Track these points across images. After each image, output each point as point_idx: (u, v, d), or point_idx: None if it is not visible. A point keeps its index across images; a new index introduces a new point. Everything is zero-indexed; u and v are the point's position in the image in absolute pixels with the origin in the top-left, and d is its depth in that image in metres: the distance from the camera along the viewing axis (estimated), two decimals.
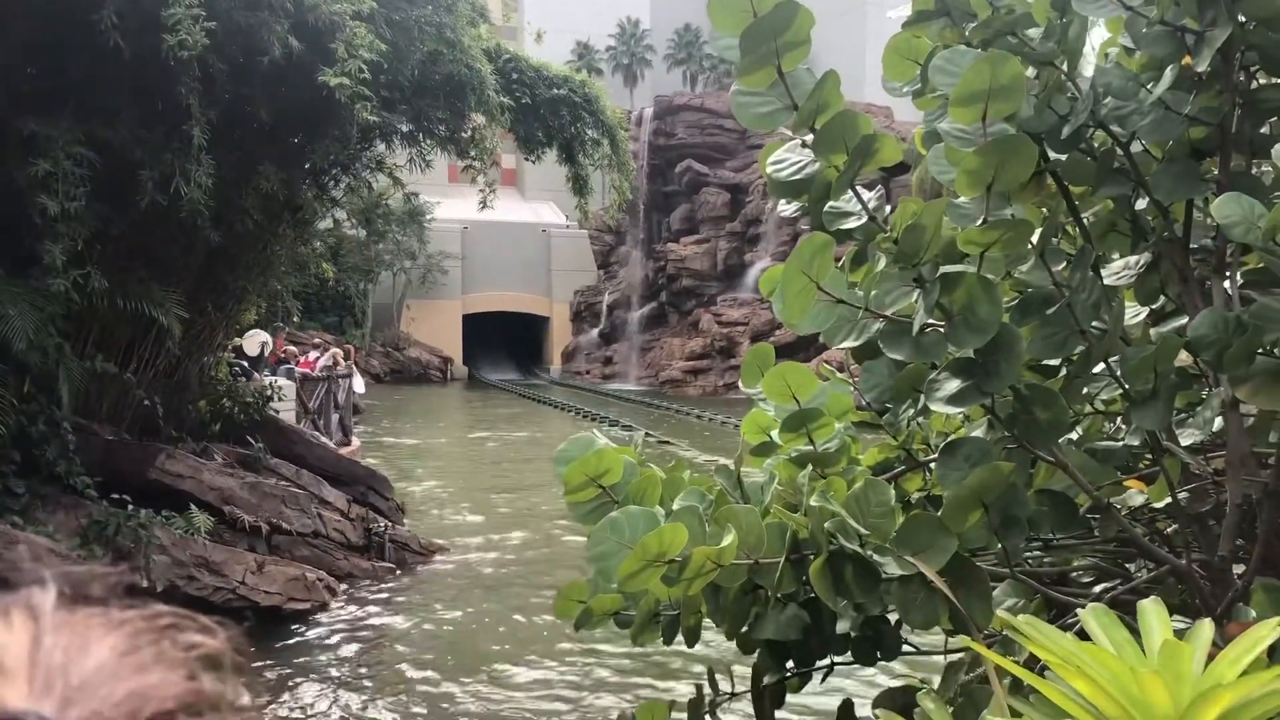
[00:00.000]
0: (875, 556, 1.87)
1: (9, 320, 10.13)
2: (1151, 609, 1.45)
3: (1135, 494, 2.48)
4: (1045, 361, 2.26)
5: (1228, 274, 2.26)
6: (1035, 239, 2.18)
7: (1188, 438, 2.41)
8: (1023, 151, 1.83)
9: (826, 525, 1.88)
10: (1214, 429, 2.39)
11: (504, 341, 73.40)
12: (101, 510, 10.79)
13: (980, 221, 1.88)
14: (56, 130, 10.39)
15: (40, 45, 11.11)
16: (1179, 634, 1.45)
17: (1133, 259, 2.50)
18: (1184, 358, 2.31)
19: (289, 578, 11.79)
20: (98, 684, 0.58)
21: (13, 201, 10.54)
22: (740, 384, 2.56)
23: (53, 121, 10.49)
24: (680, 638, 2.51)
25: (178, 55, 9.70)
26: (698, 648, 2.68)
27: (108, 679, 0.59)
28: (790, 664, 2.49)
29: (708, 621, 2.41)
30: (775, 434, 2.50)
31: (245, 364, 19.52)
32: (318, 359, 25.22)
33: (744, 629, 2.26)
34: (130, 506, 10.95)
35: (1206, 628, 1.42)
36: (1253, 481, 2.23)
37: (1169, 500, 2.37)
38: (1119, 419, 2.61)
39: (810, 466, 2.31)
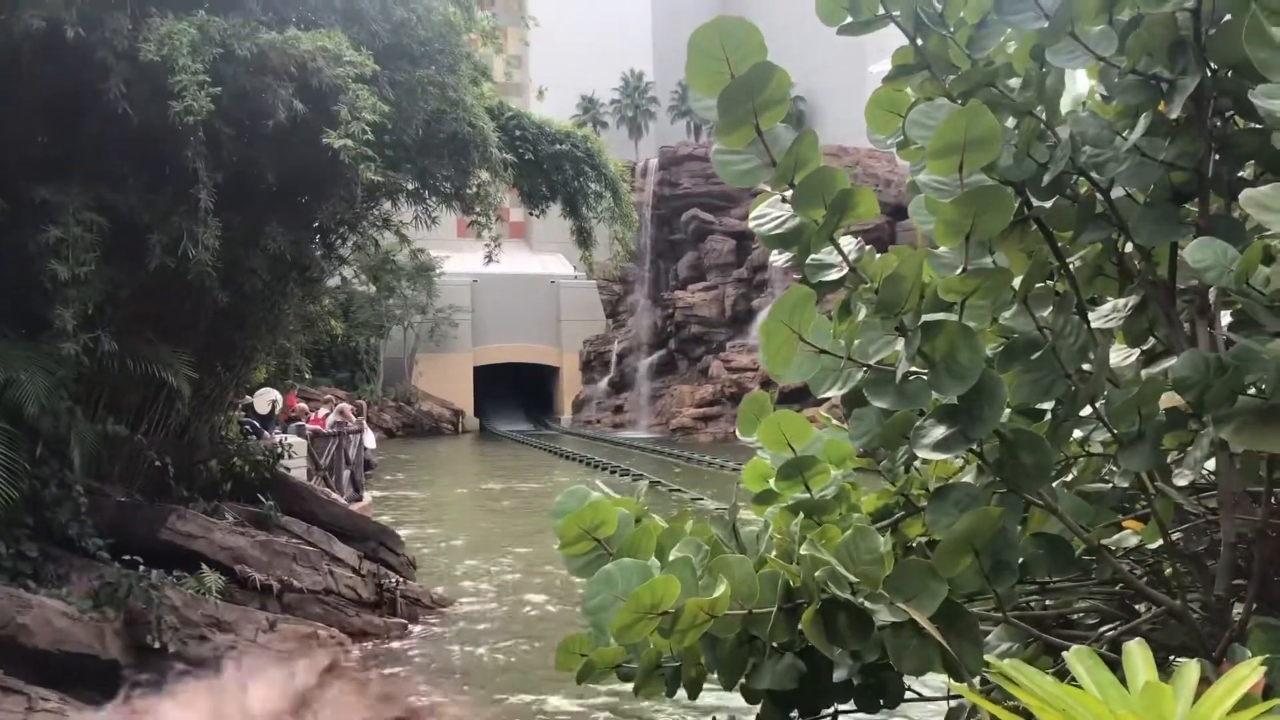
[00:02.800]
0: (867, 604, 1.89)
1: (21, 384, 10.21)
2: (1137, 650, 1.46)
3: (1130, 535, 2.49)
4: (1036, 406, 2.28)
5: (1211, 315, 2.29)
6: (1019, 285, 2.22)
7: (1181, 478, 2.42)
8: (1000, 201, 1.87)
9: (817, 574, 1.89)
10: (1206, 469, 2.40)
11: (515, 393, 73.88)
12: (113, 572, 10.79)
13: (960, 270, 1.91)
14: (67, 197, 10.54)
15: (50, 114, 11.31)
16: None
17: (1120, 302, 2.53)
18: (1179, 399, 2.32)
19: (301, 635, 11.74)
20: None
21: (24, 267, 10.67)
22: (738, 432, 2.58)
23: (63, 188, 10.64)
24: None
25: (184, 121, 9.85)
26: (707, 698, 2.68)
27: None
28: (794, 713, 2.49)
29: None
30: (774, 482, 2.52)
31: (256, 423, 19.58)
32: (327, 415, 25.30)
33: (743, 679, 2.26)
34: (142, 567, 10.95)
35: (1192, 668, 1.43)
36: (1246, 520, 2.24)
37: (1164, 541, 2.37)
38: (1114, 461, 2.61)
39: (802, 514, 2.33)
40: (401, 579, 14.66)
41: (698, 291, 60.82)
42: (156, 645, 10.46)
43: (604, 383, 68.58)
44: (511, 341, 72.53)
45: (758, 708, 2.57)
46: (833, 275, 2.03)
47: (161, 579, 10.96)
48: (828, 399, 2.40)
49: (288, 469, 16.30)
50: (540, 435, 60.94)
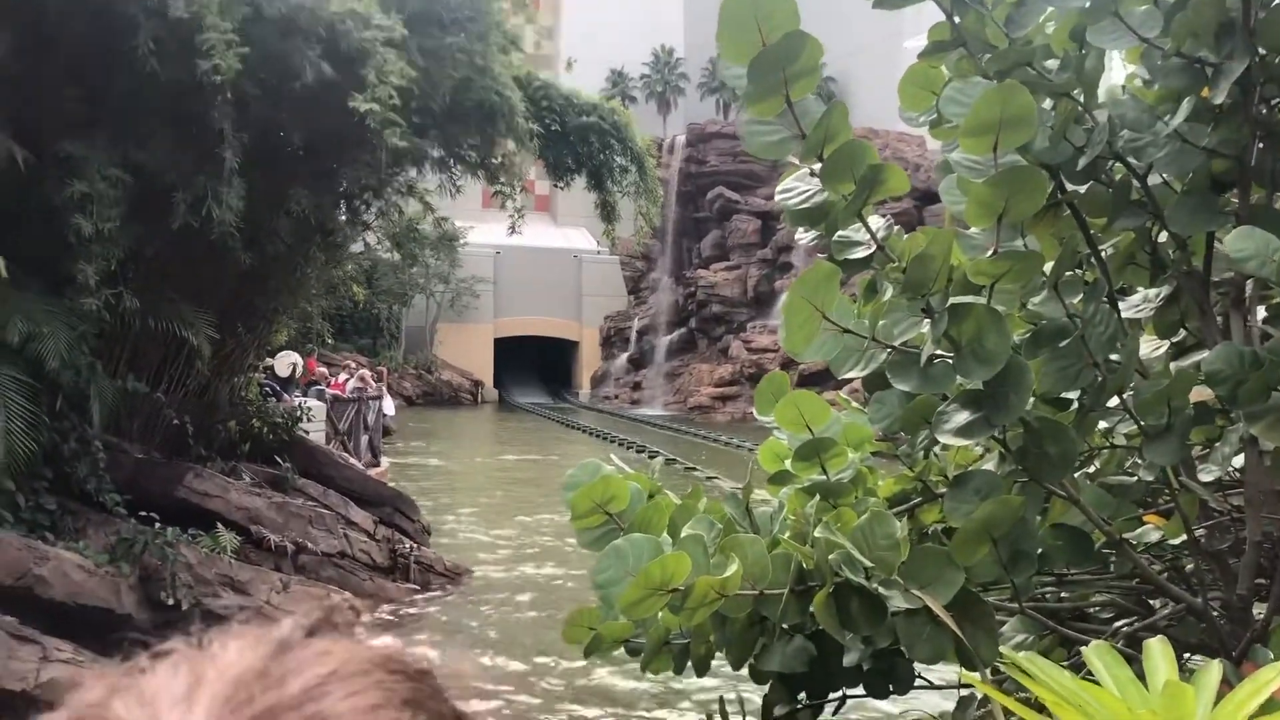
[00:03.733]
0: (881, 589, 1.85)
1: (42, 339, 10.26)
2: (1157, 648, 1.42)
3: (1152, 529, 2.44)
4: (1062, 395, 2.23)
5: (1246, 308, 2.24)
6: (1050, 270, 2.17)
7: (1207, 474, 2.37)
8: (1034, 182, 1.82)
9: (832, 557, 1.86)
10: (1234, 465, 2.35)
11: (534, 365, 74.23)
12: (129, 528, 10.86)
13: (990, 252, 1.86)
14: (93, 152, 10.55)
15: (79, 69, 11.31)
16: (1193, 674, 1.42)
17: (1152, 292, 2.48)
18: (1208, 393, 2.27)
19: (314, 598, 11.81)
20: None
21: (49, 222, 10.70)
22: (755, 412, 2.55)
23: (89, 144, 10.65)
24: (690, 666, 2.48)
25: (211, 80, 9.84)
26: (715, 676, 2.66)
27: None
28: (802, 696, 2.47)
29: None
30: (790, 463, 2.48)
31: (276, 385, 19.66)
32: (347, 381, 25.42)
33: (752, 660, 2.24)
34: (158, 524, 11.01)
35: (1214, 669, 1.39)
36: (1272, 519, 2.19)
37: (1187, 537, 2.33)
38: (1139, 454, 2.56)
39: (818, 497, 2.29)
40: (416, 545, 14.72)
41: (720, 270, 60.73)
42: (170, 602, 10.54)
43: (623, 359, 68.73)
44: (533, 314, 72.68)
45: (765, 688, 2.54)
46: (860, 253, 1.98)
47: (177, 536, 11.02)
48: (848, 383, 2.36)
49: (306, 432, 16.36)
50: (558, 409, 61.15)
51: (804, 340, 1.99)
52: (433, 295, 65.14)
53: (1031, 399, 1.96)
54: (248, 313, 14.63)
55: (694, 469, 28.76)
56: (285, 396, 19.08)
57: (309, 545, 12.85)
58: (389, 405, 27.92)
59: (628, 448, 34.91)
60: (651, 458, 27.86)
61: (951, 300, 1.86)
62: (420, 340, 66.73)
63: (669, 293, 66.49)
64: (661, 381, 63.16)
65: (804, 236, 2.26)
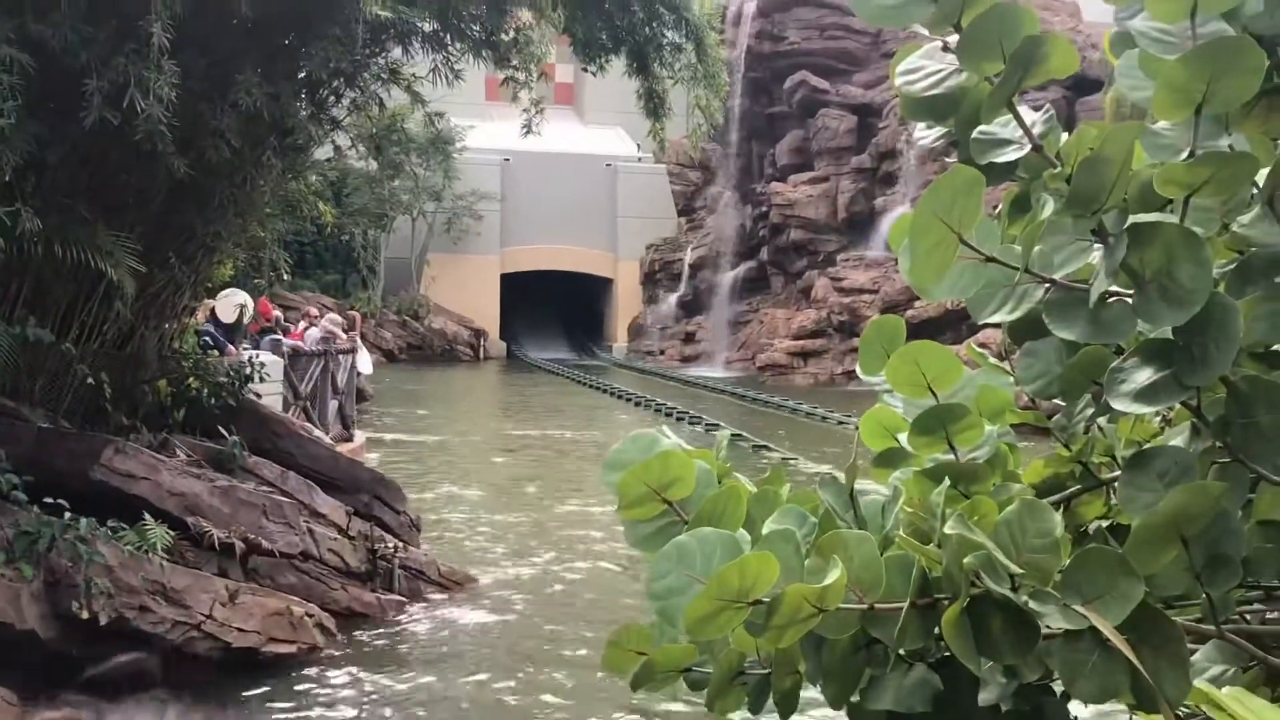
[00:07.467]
0: (1033, 604, 1.84)
1: None
2: None
3: None
4: (1274, 347, 2.20)
5: None
6: (1264, 180, 2.13)
7: None
8: (1245, 60, 1.78)
9: (967, 561, 1.85)
10: None
11: (554, 310, 74.91)
12: (31, 518, 11.03)
13: (1186, 155, 1.83)
14: None
15: None
16: None
17: None
18: None
19: (269, 612, 11.99)
20: None
21: None
22: (858, 369, 2.53)
23: None
24: (772, 705, 2.47)
25: None
26: (804, 716, 2.66)
27: None
28: None
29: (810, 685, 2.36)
30: (905, 438, 2.46)
31: (219, 334, 19.92)
32: (309, 329, 25.76)
33: (855, 696, 2.23)
34: (68, 514, 11.18)
35: None
36: None
37: None
38: None
39: (949, 482, 2.28)
40: (402, 544, 14.90)
41: (802, 184, 60.42)
42: (85, 615, 10.70)
43: (671, 301, 69.17)
44: (552, 242, 73.03)
45: None
46: (1009, 155, 1.96)
47: (93, 529, 11.18)
48: (976, 333, 2.33)
49: (258, 395, 16.57)
50: (585, 368, 61.78)
51: (935, 270, 1.94)
52: (422, 216, 65.65)
53: (1237, 352, 1.93)
54: (182, 238, 14.76)
55: (767, 448, 28.90)
56: (231, 349, 19.34)
57: (262, 543, 13.03)
58: (364, 362, 28.36)
59: (679, 419, 35.03)
60: (708, 431, 28.18)
61: (1132, 219, 1.83)
62: (405, 277, 67.41)
63: (733, 214, 66.42)
64: (723, 332, 63.59)
65: (925, 135, 2.23)
